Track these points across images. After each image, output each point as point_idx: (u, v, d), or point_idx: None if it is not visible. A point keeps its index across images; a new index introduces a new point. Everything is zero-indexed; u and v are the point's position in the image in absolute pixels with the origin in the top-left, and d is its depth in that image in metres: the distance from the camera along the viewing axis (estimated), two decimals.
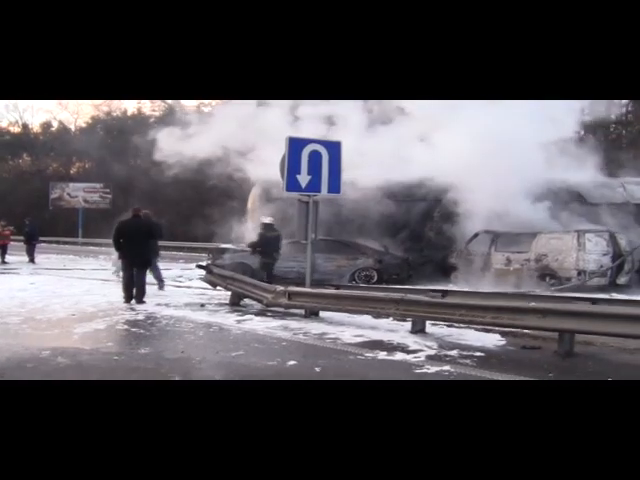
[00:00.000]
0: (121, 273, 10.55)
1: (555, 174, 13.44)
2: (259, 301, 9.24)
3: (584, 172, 13.85)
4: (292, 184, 8.78)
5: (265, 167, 13.12)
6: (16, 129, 43.02)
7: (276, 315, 8.76)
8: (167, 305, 9.78)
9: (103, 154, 34.18)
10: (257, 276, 12.66)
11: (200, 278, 12.43)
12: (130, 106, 40.68)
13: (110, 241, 10.57)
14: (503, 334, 7.22)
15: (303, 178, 8.61)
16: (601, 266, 12.24)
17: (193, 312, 9.12)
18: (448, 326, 7.55)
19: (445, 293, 7.68)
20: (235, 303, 9.89)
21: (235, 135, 15.67)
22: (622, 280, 12.48)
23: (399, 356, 6.18)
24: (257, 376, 5.39)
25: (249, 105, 15.10)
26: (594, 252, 12.24)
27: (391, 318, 7.82)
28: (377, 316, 7.94)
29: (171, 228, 27.49)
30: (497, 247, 13.46)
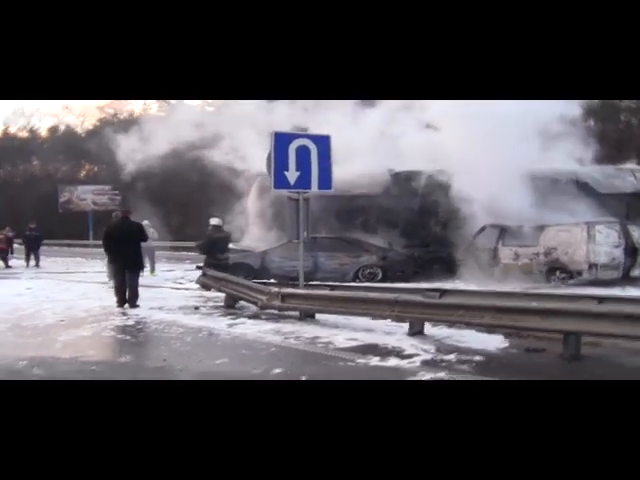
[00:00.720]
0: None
1: (562, 164, 12.98)
2: (254, 303, 8.91)
3: (592, 161, 13.37)
4: (280, 181, 8.41)
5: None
6: (24, 134, 43.07)
7: (270, 318, 8.42)
8: (160, 309, 9.50)
9: (111, 156, 34.05)
10: (259, 276, 12.38)
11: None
12: (136, 108, 40.50)
13: None
14: (507, 335, 6.78)
15: (291, 174, 8.21)
16: (613, 258, 11.74)
17: (185, 316, 8.81)
18: (449, 327, 7.13)
19: (443, 292, 7.26)
20: (230, 306, 9.54)
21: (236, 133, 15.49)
22: (636, 272, 11.95)
23: (392, 362, 5.81)
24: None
25: (249, 105, 14.82)
26: (605, 244, 11.67)
27: (388, 320, 7.44)
28: (373, 318, 7.56)
29: (180, 229, 27.47)
30: (504, 241, 12.93)
